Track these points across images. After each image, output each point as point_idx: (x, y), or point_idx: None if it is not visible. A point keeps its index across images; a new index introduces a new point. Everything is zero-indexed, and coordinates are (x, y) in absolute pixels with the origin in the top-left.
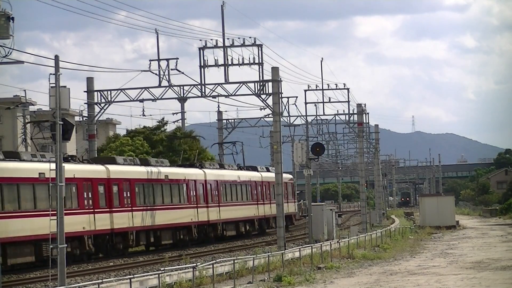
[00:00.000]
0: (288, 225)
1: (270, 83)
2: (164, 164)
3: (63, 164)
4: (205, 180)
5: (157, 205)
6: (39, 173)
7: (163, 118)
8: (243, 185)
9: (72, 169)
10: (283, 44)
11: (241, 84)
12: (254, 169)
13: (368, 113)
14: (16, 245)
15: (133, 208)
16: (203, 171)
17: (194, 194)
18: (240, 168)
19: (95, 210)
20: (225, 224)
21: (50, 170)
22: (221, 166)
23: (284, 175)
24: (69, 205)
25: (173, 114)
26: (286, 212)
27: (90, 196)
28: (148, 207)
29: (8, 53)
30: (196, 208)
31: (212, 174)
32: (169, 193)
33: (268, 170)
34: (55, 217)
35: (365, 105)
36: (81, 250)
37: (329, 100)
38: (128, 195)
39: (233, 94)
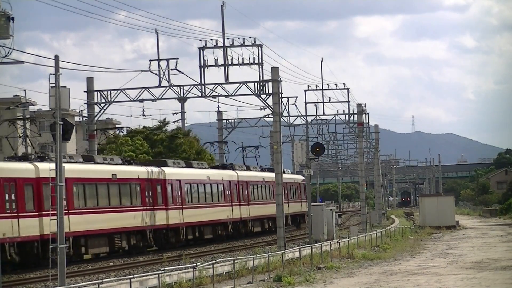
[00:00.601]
0: (301, 223)
1: (270, 83)
2: (204, 166)
3: (131, 167)
4: (238, 181)
5: (201, 203)
6: (112, 174)
7: (164, 119)
8: (267, 186)
9: (136, 171)
10: (283, 44)
11: (241, 84)
12: (273, 170)
13: (368, 113)
14: (95, 237)
15: (183, 206)
16: (236, 172)
17: (229, 193)
18: (262, 169)
19: (154, 207)
20: (252, 221)
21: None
22: (248, 168)
23: (298, 176)
24: (135, 203)
25: (173, 114)
26: (299, 211)
27: (150, 194)
28: (195, 205)
29: (8, 53)
30: (231, 206)
31: (243, 175)
32: (210, 192)
33: (283, 172)
34: (55, 217)
35: (365, 105)
36: (143, 242)
37: (329, 100)
38: (179, 194)
39: (233, 94)
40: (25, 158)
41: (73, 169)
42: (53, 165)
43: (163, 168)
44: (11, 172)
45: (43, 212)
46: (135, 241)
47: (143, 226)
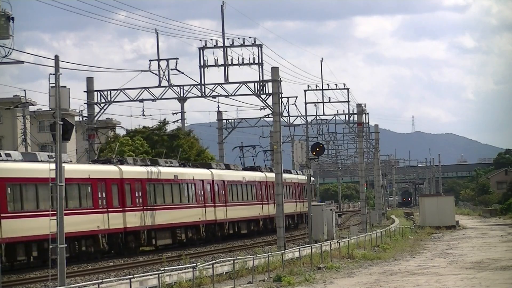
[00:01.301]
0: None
1: (270, 83)
2: (239, 168)
3: (187, 169)
4: (266, 182)
5: (239, 201)
6: (174, 175)
7: (164, 119)
8: (288, 186)
9: (192, 172)
10: (282, 44)
11: (241, 84)
12: (288, 172)
13: (368, 113)
14: (162, 231)
15: (227, 204)
16: (264, 174)
17: (260, 192)
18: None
19: (206, 204)
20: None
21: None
22: (271, 170)
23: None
24: (191, 201)
25: (173, 114)
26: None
27: (202, 193)
28: (235, 203)
29: (8, 53)
30: (261, 205)
31: (270, 176)
32: (246, 191)
33: (297, 173)
34: (54, 218)
35: (365, 105)
36: (197, 235)
37: (329, 100)
38: (223, 193)
39: (233, 94)
40: (109, 161)
41: (147, 171)
42: (132, 168)
43: (211, 170)
44: (101, 174)
45: (126, 208)
46: (191, 234)
47: (197, 221)
